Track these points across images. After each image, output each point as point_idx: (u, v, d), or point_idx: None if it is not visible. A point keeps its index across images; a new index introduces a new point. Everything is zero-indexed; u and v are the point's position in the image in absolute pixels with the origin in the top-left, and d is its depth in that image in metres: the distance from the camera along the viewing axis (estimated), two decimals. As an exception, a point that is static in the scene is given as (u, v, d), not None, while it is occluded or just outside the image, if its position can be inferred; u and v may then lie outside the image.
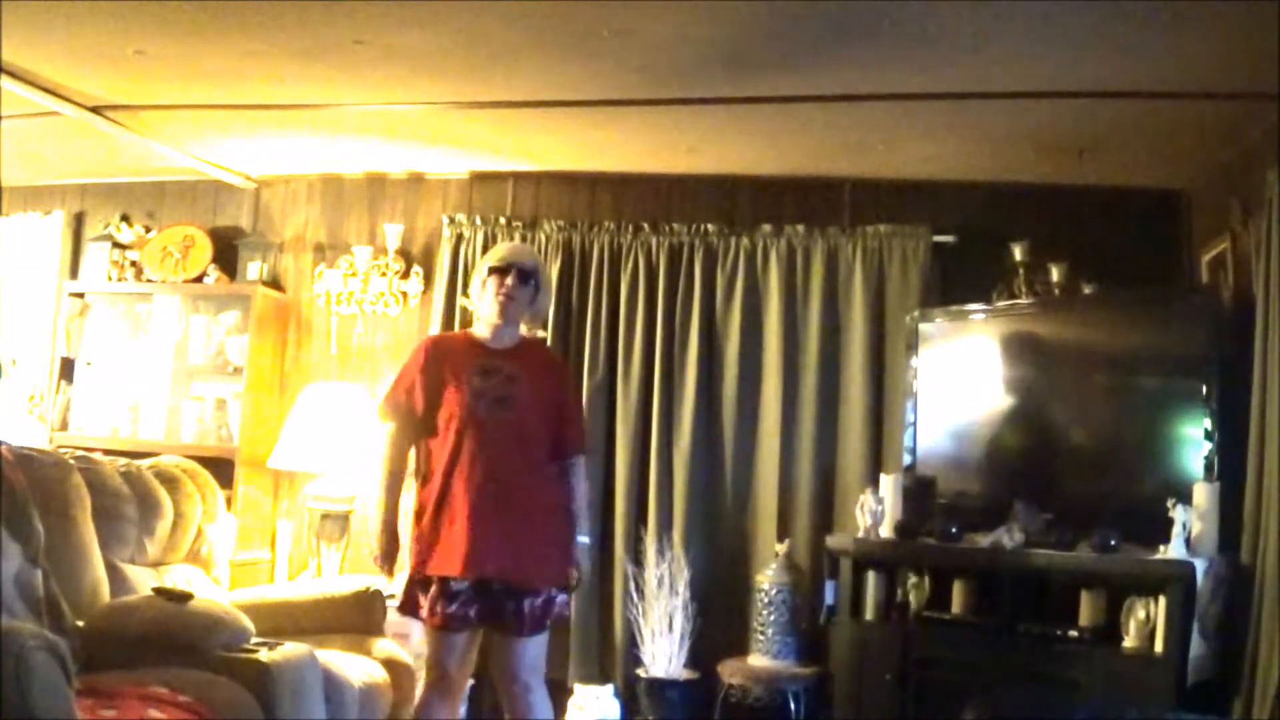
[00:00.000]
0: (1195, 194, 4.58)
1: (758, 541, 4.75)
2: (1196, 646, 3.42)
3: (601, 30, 3.42)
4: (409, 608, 3.23)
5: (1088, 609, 3.67)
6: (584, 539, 3.37)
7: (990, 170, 4.67)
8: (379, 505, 3.29)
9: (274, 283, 5.31)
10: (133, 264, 5.38)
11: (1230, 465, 3.62)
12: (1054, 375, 4.21)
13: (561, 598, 3.22)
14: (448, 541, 3.10)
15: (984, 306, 4.46)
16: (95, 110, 4.41)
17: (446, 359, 3.25)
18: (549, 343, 4.83)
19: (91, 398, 5.29)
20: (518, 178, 5.17)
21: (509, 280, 3.21)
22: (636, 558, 4.70)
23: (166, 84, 4.12)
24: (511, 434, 3.17)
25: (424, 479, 3.23)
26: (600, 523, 4.81)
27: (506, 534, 3.10)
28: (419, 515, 3.19)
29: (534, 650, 3.17)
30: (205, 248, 5.29)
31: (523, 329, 3.39)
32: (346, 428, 4.80)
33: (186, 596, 3.16)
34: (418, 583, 3.17)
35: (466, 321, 4.65)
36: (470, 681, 4.08)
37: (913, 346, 4.52)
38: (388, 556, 3.26)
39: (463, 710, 4.21)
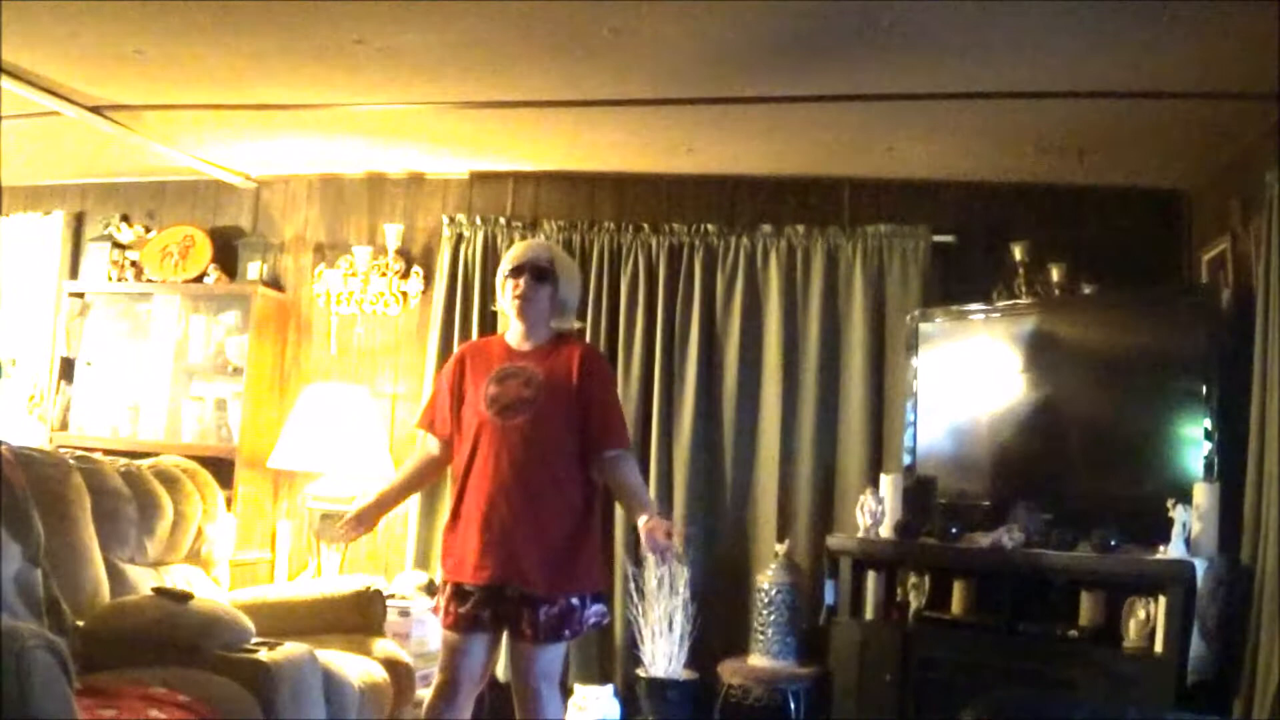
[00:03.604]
0: (1195, 194, 4.58)
1: (758, 541, 4.75)
2: (1196, 646, 3.41)
3: (601, 30, 3.42)
4: (439, 612, 3.23)
5: (1088, 609, 3.67)
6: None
7: (990, 170, 4.67)
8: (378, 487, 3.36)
9: (274, 283, 5.31)
10: (133, 264, 5.38)
11: (1230, 465, 3.62)
12: (1054, 375, 4.21)
13: (595, 607, 3.16)
14: (462, 548, 3.11)
15: (984, 306, 4.46)
16: (95, 110, 4.41)
17: (474, 367, 3.24)
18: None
19: (91, 398, 5.29)
20: (518, 178, 5.17)
21: (522, 281, 3.19)
22: (636, 558, 4.69)
23: (166, 84, 4.12)
24: (526, 439, 3.10)
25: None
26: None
27: (518, 541, 3.06)
28: (448, 522, 3.22)
29: (546, 657, 3.11)
30: (205, 248, 5.29)
31: (568, 327, 3.35)
32: (346, 428, 4.80)
33: (186, 596, 3.16)
34: (441, 587, 3.19)
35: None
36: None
37: (913, 346, 4.52)
38: (356, 521, 3.28)
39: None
